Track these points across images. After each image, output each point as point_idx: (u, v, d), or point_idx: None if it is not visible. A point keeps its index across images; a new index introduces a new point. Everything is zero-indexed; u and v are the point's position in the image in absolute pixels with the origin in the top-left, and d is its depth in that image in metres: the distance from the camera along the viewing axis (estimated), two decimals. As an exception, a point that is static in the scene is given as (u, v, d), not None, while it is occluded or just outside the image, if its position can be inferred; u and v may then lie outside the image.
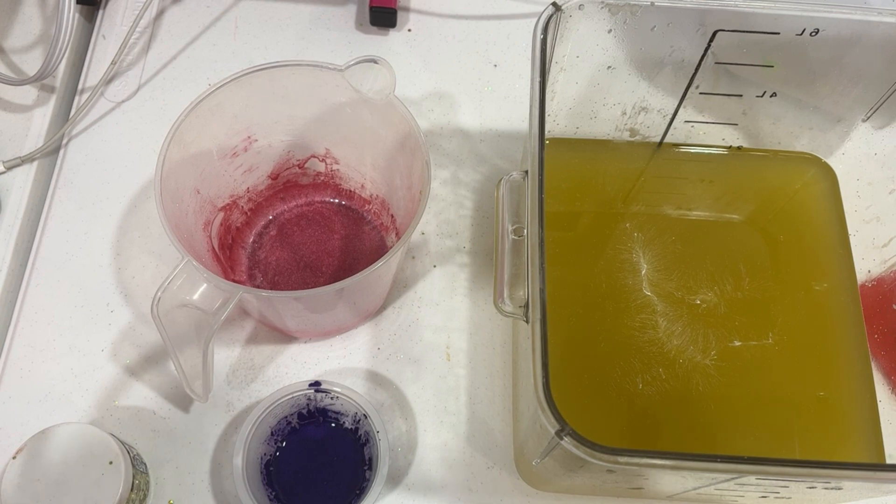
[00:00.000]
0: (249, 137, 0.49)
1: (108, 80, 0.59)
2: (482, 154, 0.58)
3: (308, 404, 0.47)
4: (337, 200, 0.55)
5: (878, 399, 0.48)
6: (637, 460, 0.31)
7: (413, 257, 0.54)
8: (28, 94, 0.58)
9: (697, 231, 0.53)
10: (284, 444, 0.47)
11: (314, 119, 0.49)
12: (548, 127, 0.40)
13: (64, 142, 0.57)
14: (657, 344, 0.49)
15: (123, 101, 0.59)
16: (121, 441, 0.43)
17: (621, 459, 0.31)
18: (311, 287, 0.40)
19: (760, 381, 0.48)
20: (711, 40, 0.45)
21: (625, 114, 0.52)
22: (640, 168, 0.55)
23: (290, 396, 0.46)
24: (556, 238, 0.52)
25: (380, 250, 0.53)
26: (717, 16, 0.44)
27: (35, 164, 0.56)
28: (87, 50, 0.61)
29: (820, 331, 0.50)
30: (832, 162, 0.55)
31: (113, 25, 0.61)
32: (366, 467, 0.46)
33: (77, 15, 0.59)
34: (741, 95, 0.50)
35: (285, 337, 0.51)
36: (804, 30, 0.44)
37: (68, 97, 0.60)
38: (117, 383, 0.49)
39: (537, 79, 0.39)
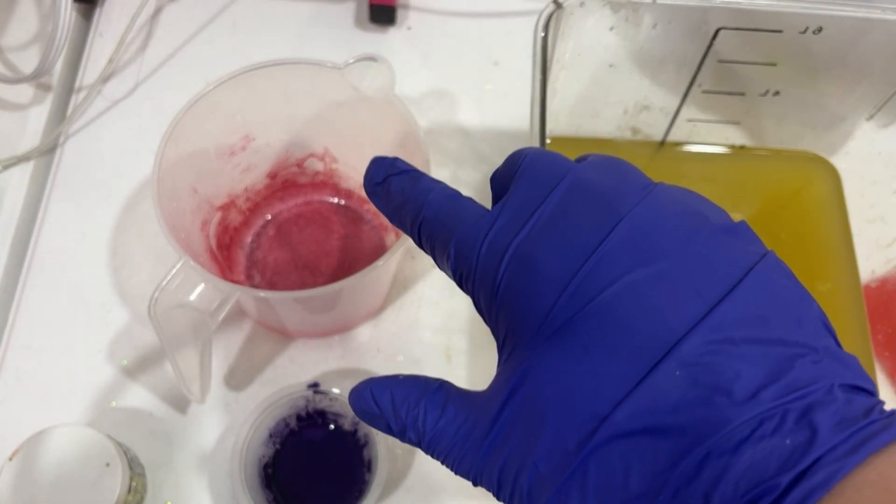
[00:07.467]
0: (247, 136, 0.48)
1: (106, 78, 0.58)
2: (482, 153, 0.58)
3: (307, 406, 0.46)
4: (336, 199, 0.55)
5: (882, 400, 0.48)
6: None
7: (413, 257, 0.54)
8: (24, 92, 0.57)
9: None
10: (283, 445, 0.47)
11: (313, 117, 0.49)
12: (549, 125, 0.40)
13: (61, 140, 0.57)
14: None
15: (121, 100, 0.58)
16: (118, 443, 0.43)
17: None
18: (310, 287, 0.40)
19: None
20: (714, 38, 0.45)
21: (626, 112, 0.52)
22: (641, 167, 0.54)
23: (289, 398, 0.45)
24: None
25: (379, 250, 0.53)
26: (720, 13, 0.43)
27: (31, 162, 0.55)
28: (84, 48, 0.60)
29: (823, 331, 0.50)
30: (835, 161, 0.54)
31: (110, 23, 0.61)
32: (365, 469, 0.46)
33: (74, 13, 0.58)
34: (744, 94, 0.49)
35: (284, 337, 0.51)
36: (807, 27, 0.43)
37: (65, 95, 0.59)
38: (114, 384, 0.49)
39: (538, 77, 0.39)
